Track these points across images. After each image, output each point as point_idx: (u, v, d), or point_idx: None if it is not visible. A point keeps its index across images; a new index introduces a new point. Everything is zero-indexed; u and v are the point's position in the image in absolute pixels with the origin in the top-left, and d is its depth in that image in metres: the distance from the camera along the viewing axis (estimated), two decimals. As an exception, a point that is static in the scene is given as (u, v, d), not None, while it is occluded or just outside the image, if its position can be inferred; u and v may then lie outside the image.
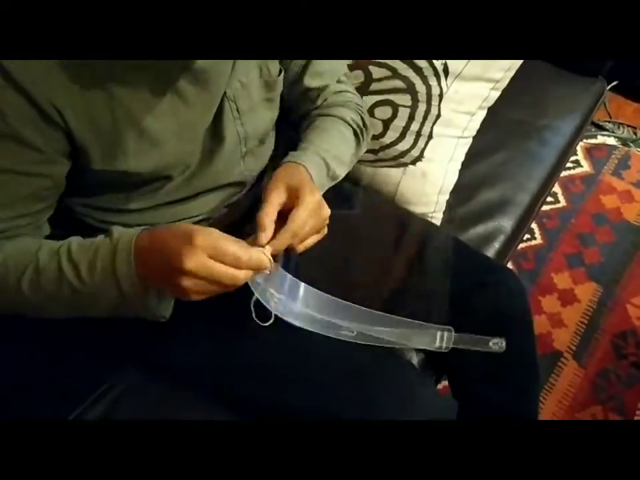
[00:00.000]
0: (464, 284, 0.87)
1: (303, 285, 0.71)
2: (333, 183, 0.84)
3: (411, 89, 1.04)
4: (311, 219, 0.69)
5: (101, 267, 0.61)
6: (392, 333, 0.70)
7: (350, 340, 0.71)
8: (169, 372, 0.83)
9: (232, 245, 0.59)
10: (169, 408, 0.81)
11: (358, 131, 0.88)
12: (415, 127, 1.06)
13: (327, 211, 0.73)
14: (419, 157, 1.07)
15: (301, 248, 0.71)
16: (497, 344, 0.70)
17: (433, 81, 1.03)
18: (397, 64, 1.03)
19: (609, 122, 1.91)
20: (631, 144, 1.86)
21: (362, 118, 0.90)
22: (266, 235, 0.65)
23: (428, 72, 1.03)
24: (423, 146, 1.07)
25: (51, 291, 0.63)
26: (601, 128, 1.90)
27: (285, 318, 0.69)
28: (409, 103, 1.05)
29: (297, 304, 0.70)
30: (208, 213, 0.83)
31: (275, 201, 0.68)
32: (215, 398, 0.81)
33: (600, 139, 1.87)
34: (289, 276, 0.70)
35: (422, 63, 1.02)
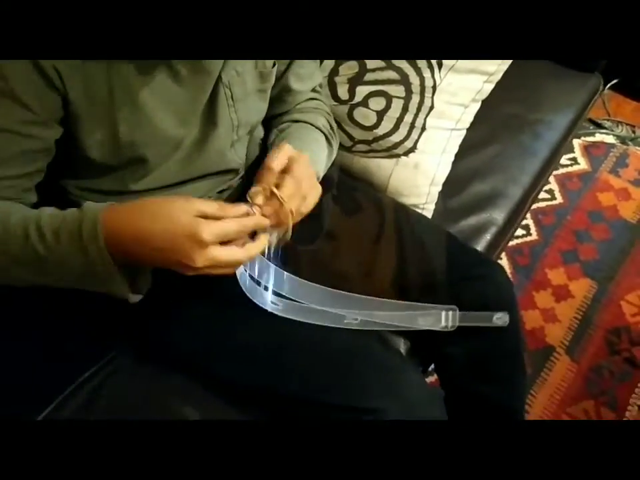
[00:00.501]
0: (452, 276, 0.88)
1: (297, 278, 0.72)
2: None
3: (404, 80, 1.04)
4: (306, 180, 0.71)
5: (68, 235, 0.60)
6: (396, 317, 0.71)
7: (355, 328, 0.72)
8: (157, 354, 0.84)
9: (232, 224, 0.62)
10: (156, 391, 0.82)
11: (329, 136, 0.90)
12: (408, 118, 1.06)
13: (319, 188, 0.75)
14: (412, 149, 1.07)
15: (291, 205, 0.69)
16: (500, 319, 0.71)
17: (426, 73, 1.04)
18: (392, 55, 1.04)
19: (608, 120, 1.92)
20: (629, 142, 1.86)
21: (330, 124, 0.92)
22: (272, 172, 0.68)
23: (422, 64, 1.04)
24: (416, 137, 1.07)
25: (16, 254, 0.62)
26: (599, 126, 1.90)
27: (287, 315, 0.71)
28: (403, 94, 1.05)
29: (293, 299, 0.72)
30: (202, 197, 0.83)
31: (285, 153, 0.71)
32: (204, 381, 0.82)
33: (598, 137, 1.87)
34: (286, 273, 0.71)
35: None
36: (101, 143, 0.69)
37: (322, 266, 0.87)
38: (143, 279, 0.66)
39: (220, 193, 0.86)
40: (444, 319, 0.75)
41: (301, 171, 0.70)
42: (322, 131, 0.89)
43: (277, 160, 0.70)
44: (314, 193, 0.74)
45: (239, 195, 0.89)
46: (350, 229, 0.93)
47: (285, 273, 0.71)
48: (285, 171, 0.70)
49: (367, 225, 0.94)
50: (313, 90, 0.93)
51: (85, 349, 0.85)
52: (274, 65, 0.82)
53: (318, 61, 0.98)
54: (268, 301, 0.71)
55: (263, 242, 0.66)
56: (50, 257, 0.61)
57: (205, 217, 0.60)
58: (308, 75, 0.90)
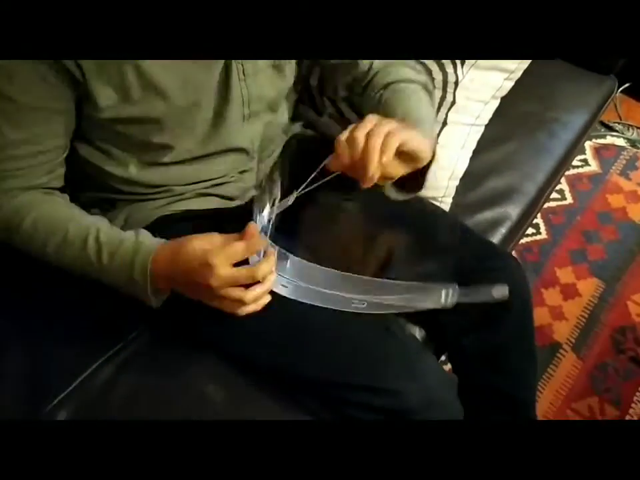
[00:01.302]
0: (468, 267, 0.89)
1: (301, 261, 0.74)
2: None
3: (428, 74, 1.06)
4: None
5: (121, 256, 0.70)
6: (399, 299, 0.73)
7: (362, 312, 0.73)
8: (181, 333, 0.86)
9: (237, 245, 0.66)
10: (180, 369, 0.84)
11: (424, 85, 0.85)
12: (429, 112, 1.08)
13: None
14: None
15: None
16: (498, 291, 0.72)
17: (449, 68, 1.06)
18: (415, 50, 1.06)
19: (619, 123, 1.93)
20: (639, 145, 1.88)
21: (419, 70, 0.87)
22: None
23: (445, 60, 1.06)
24: (437, 132, 1.09)
25: (71, 258, 0.73)
26: (610, 129, 1.92)
27: (295, 297, 0.73)
28: None
29: (300, 281, 0.73)
30: (219, 179, 0.86)
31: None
32: (227, 360, 0.84)
33: (609, 140, 1.89)
34: (291, 256, 0.73)
35: None
36: (116, 118, 0.72)
37: (330, 249, 0.89)
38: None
39: (241, 174, 0.88)
40: (444, 296, 0.74)
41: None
42: (415, 81, 0.83)
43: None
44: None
45: (259, 180, 0.92)
46: (361, 215, 0.93)
47: (290, 255, 0.73)
48: None
49: (379, 213, 0.95)
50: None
51: (112, 326, 0.87)
52: None
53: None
54: (277, 283, 0.72)
55: (270, 260, 0.68)
56: (100, 270, 0.72)
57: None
58: None
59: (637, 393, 1.36)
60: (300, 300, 0.73)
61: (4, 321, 0.86)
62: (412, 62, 0.89)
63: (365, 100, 0.87)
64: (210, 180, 0.85)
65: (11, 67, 0.65)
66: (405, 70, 0.85)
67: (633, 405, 1.34)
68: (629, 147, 1.87)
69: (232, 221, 0.71)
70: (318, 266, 0.74)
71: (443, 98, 1.06)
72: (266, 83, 0.82)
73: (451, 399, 0.83)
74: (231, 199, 0.88)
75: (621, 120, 1.95)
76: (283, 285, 0.72)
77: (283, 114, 0.91)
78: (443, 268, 0.88)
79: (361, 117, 0.70)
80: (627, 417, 1.33)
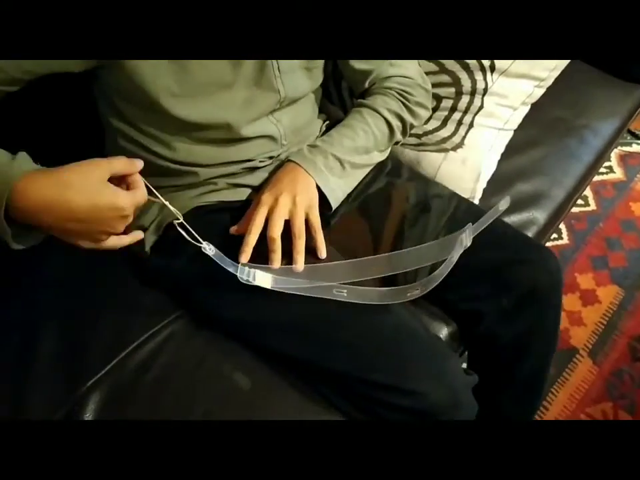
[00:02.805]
0: (504, 258, 0.90)
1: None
2: (362, 170, 0.93)
3: (456, 83, 1.07)
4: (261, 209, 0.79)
5: None
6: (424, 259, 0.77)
7: (345, 299, 0.77)
8: (210, 322, 0.88)
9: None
10: (209, 356, 0.86)
11: (391, 119, 0.92)
12: (456, 116, 1.09)
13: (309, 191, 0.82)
14: (460, 144, 1.10)
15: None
16: (504, 204, 0.77)
17: (478, 76, 1.06)
18: (445, 60, 1.06)
19: (646, 132, 1.93)
20: (665, 155, 1.88)
21: (404, 104, 0.94)
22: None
23: (474, 67, 1.06)
24: (463, 134, 1.10)
25: None
26: (637, 137, 1.91)
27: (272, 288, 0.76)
28: (453, 96, 1.08)
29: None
30: (249, 162, 0.88)
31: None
32: (254, 349, 0.86)
33: (635, 147, 1.89)
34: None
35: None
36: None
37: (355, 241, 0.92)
38: (33, 236, 0.67)
39: (270, 159, 0.91)
40: (465, 239, 0.79)
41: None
42: (382, 115, 0.92)
43: None
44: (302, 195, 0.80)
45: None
46: (387, 206, 0.96)
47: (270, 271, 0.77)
48: None
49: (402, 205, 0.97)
50: (391, 64, 0.95)
51: (147, 311, 0.89)
52: None
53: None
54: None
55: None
56: None
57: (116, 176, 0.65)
58: None
59: (652, 401, 1.37)
60: (284, 291, 0.76)
61: (43, 301, 0.89)
62: (415, 93, 0.95)
63: None
64: (240, 162, 0.88)
65: None
66: (388, 101, 0.93)
67: (647, 413, 1.35)
68: (655, 156, 1.87)
69: None
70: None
71: (470, 103, 1.07)
72: (299, 81, 0.87)
73: (472, 400, 0.85)
74: (260, 189, 0.90)
75: (647, 128, 1.94)
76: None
77: (311, 108, 0.96)
78: (478, 259, 0.89)
79: None
80: (641, 425, 1.34)
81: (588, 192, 1.75)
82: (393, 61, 0.95)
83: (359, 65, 0.93)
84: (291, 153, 0.91)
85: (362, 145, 0.90)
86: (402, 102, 0.94)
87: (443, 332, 0.96)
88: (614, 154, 1.86)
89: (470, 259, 0.84)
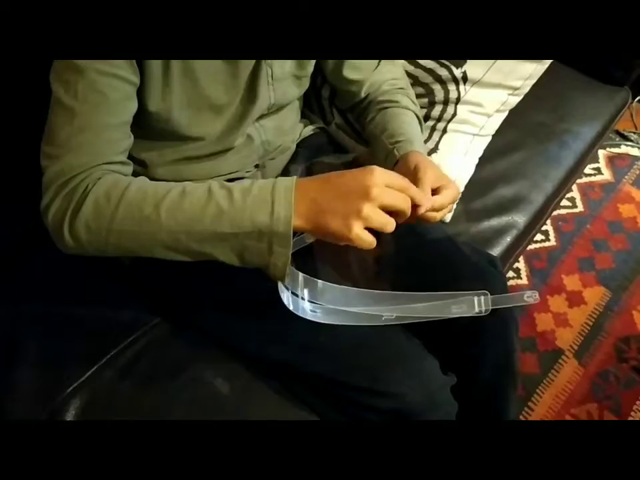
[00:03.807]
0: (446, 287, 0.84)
1: (329, 284, 0.71)
2: None
3: (429, 94, 1.08)
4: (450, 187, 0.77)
5: (258, 189, 0.62)
6: (430, 308, 0.71)
7: (392, 323, 0.72)
8: (194, 328, 0.89)
9: (399, 177, 0.65)
10: (190, 361, 0.87)
11: (417, 112, 0.95)
12: (429, 123, 1.10)
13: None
14: (434, 149, 1.11)
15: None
16: (530, 297, 0.73)
17: (451, 86, 1.07)
18: (418, 72, 1.07)
19: (635, 133, 1.94)
20: (654, 156, 1.89)
21: (411, 99, 0.97)
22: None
23: (447, 79, 1.07)
24: (437, 139, 1.11)
25: (192, 213, 0.63)
26: (625, 138, 1.92)
27: (326, 321, 0.71)
28: (426, 105, 1.09)
29: (330, 305, 0.71)
30: (236, 173, 0.89)
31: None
32: (235, 354, 0.87)
33: (623, 149, 1.90)
34: (320, 281, 0.71)
35: (441, 71, 1.06)
36: (160, 101, 0.74)
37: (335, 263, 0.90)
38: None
39: (257, 168, 0.92)
40: (477, 304, 0.72)
41: (429, 176, 0.76)
42: (411, 110, 0.93)
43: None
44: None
45: (266, 176, 0.95)
46: None
47: (318, 280, 0.71)
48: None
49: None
50: (394, 79, 0.97)
51: (125, 318, 0.91)
52: None
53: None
54: (308, 310, 0.70)
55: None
56: (231, 214, 0.62)
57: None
58: (364, 64, 0.95)
59: (637, 402, 1.37)
60: (332, 323, 0.71)
61: (23, 309, 0.91)
62: (410, 92, 0.97)
63: (364, 120, 0.96)
64: (227, 174, 0.89)
65: None
66: (404, 99, 0.93)
67: (632, 414, 1.36)
68: (643, 157, 1.88)
69: None
70: (346, 287, 0.72)
71: (443, 111, 1.08)
72: (288, 88, 0.88)
73: (450, 400, 0.86)
74: None
75: (636, 129, 1.95)
76: (312, 311, 0.71)
77: (294, 114, 0.97)
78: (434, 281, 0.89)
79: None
80: (626, 425, 1.35)
81: (576, 193, 1.76)
82: (381, 68, 0.97)
83: (352, 75, 0.94)
84: (270, 160, 0.93)
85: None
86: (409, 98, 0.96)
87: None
88: (602, 155, 1.87)
89: (410, 283, 0.78)
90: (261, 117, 0.88)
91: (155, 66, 0.71)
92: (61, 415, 0.81)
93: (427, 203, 0.69)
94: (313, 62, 0.89)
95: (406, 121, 0.90)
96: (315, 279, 0.71)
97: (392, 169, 0.77)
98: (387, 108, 0.93)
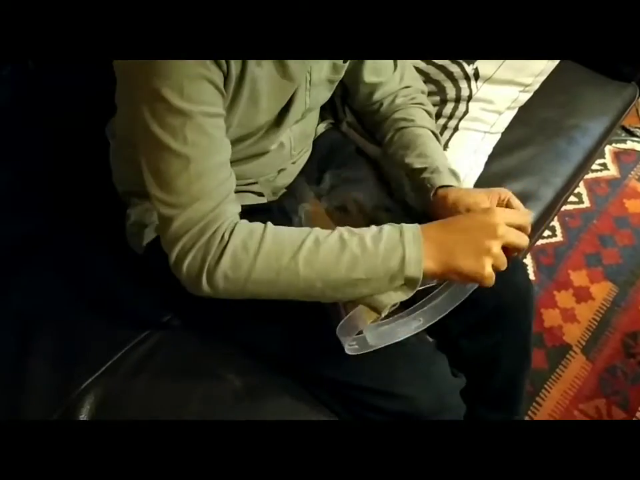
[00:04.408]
0: None
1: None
2: None
3: (441, 92, 1.09)
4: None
5: (387, 235, 0.66)
6: (449, 298, 0.76)
7: (421, 329, 0.76)
8: (205, 326, 0.90)
9: (516, 214, 0.71)
10: (203, 356, 0.89)
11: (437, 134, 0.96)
12: (441, 121, 1.11)
13: None
14: (444, 147, 1.12)
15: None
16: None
17: (463, 84, 1.08)
18: (430, 69, 1.08)
19: (640, 128, 1.94)
20: (660, 151, 1.89)
21: (430, 116, 0.97)
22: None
23: (459, 76, 1.08)
24: (448, 137, 1.12)
25: (328, 262, 0.65)
26: (631, 134, 1.92)
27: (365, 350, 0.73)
28: (438, 103, 1.10)
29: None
30: (266, 176, 0.90)
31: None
32: (248, 351, 0.88)
33: (629, 145, 1.90)
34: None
35: (453, 68, 1.07)
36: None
37: None
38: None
39: (279, 173, 0.92)
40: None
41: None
42: (434, 133, 0.94)
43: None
44: None
45: (294, 176, 0.96)
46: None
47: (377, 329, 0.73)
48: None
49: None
50: (407, 87, 0.97)
51: (139, 315, 0.92)
52: (345, 60, 0.87)
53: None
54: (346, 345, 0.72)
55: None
56: (365, 259, 0.65)
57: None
58: (383, 67, 0.95)
59: (645, 397, 1.39)
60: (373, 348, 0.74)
61: (38, 304, 0.91)
62: (424, 101, 0.97)
63: (382, 139, 0.97)
64: (255, 178, 0.89)
65: (177, 77, 0.62)
66: (419, 113, 0.94)
67: (640, 409, 1.37)
68: (649, 153, 1.88)
69: (263, 214, 0.74)
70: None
71: (455, 109, 1.09)
72: (321, 93, 0.88)
73: (458, 403, 0.87)
74: (261, 194, 0.92)
75: (642, 125, 1.95)
76: (350, 345, 0.72)
77: (317, 117, 0.98)
78: None
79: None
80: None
81: (582, 189, 1.76)
82: (396, 74, 0.96)
83: (368, 77, 0.94)
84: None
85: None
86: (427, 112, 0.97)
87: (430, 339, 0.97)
88: (608, 151, 1.86)
89: None
90: (296, 123, 0.87)
91: (231, 90, 0.70)
92: (76, 411, 0.82)
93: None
94: (346, 66, 0.88)
95: (427, 145, 0.90)
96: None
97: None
98: (404, 128, 0.93)
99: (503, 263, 0.66)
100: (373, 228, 0.68)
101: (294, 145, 0.91)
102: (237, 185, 0.85)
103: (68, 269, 0.94)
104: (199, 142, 0.65)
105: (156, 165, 0.66)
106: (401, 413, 0.80)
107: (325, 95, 0.90)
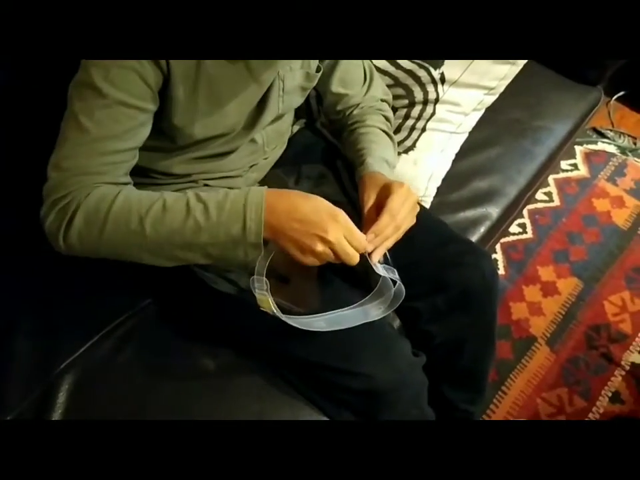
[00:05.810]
0: (442, 261, 0.97)
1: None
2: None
3: (409, 95, 1.14)
4: (407, 202, 0.82)
5: (231, 204, 0.70)
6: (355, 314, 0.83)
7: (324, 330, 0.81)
8: (181, 310, 0.95)
9: (358, 232, 0.73)
10: (179, 341, 0.93)
11: (390, 132, 1.01)
12: (409, 123, 1.16)
13: (416, 196, 0.85)
14: (412, 147, 1.17)
15: (399, 234, 0.81)
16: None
17: (430, 87, 1.13)
18: (399, 74, 1.13)
19: (611, 130, 2.01)
20: (629, 153, 1.95)
21: (387, 119, 1.03)
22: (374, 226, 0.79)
23: (426, 80, 1.13)
24: (415, 138, 1.17)
25: (173, 228, 0.70)
26: (602, 135, 1.99)
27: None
28: (406, 105, 1.15)
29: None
30: (237, 171, 0.94)
31: (370, 201, 0.85)
32: (220, 335, 0.93)
33: (600, 146, 1.97)
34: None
35: (420, 72, 1.12)
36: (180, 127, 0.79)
37: None
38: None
39: (251, 167, 0.97)
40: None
41: (395, 205, 0.81)
42: (384, 131, 0.99)
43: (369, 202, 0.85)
44: (408, 220, 0.83)
45: (266, 171, 1.01)
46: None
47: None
48: (380, 204, 0.82)
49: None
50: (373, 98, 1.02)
51: (118, 299, 0.96)
52: (317, 70, 0.92)
53: (368, 71, 1.04)
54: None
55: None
56: (208, 229, 0.70)
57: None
58: (351, 81, 1.00)
59: (605, 387, 1.45)
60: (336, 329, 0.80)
61: (21, 285, 0.96)
62: (383, 112, 1.02)
63: (344, 133, 1.03)
64: (227, 172, 0.93)
65: (109, 63, 0.68)
66: (373, 117, 0.99)
67: (600, 398, 1.43)
68: (619, 154, 1.94)
69: None
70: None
71: (422, 111, 1.14)
72: (294, 99, 0.93)
73: (419, 379, 0.92)
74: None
75: (613, 127, 2.02)
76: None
77: (291, 117, 1.03)
78: (418, 262, 0.96)
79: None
80: (594, 409, 1.41)
81: (552, 188, 1.83)
82: (365, 87, 1.02)
83: (336, 88, 1.00)
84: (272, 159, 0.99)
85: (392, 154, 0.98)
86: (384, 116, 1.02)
87: (396, 323, 1.03)
88: (579, 152, 1.93)
89: (410, 259, 0.90)
90: (269, 124, 0.92)
91: (182, 91, 0.75)
92: (57, 388, 0.86)
93: (369, 248, 0.77)
94: (319, 74, 0.93)
95: (371, 140, 0.96)
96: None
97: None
98: (356, 128, 0.99)
99: (330, 258, 0.72)
100: (221, 192, 0.72)
101: (267, 142, 0.95)
102: (210, 179, 0.91)
103: (51, 251, 0.98)
104: (105, 124, 0.71)
105: (62, 128, 0.72)
106: (363, 391, 0.85)
107: (297, 100, 0.95)
